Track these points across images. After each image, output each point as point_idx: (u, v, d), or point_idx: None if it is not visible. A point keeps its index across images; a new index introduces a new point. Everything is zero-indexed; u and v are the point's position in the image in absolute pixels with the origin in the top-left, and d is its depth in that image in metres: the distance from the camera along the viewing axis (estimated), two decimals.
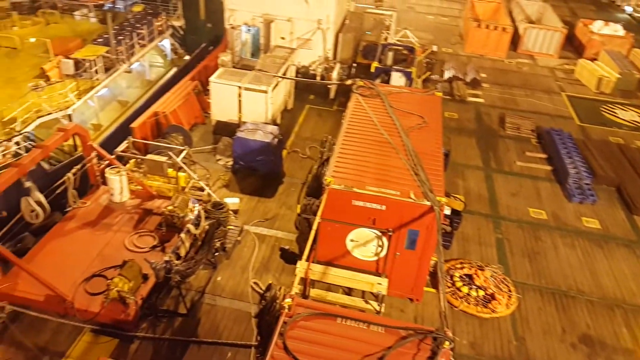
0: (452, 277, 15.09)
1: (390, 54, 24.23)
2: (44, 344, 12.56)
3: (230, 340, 13.01)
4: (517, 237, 17.45)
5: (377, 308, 12.60)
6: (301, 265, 11.63)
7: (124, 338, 12.77)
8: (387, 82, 23.10)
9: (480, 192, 19.73)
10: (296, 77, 24.19)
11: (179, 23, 28.46)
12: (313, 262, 12.94)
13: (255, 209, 17.75)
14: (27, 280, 12.58)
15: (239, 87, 20.13)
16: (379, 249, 12.93)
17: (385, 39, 27.80)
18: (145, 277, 13.10)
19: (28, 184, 13.41)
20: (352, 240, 12.99)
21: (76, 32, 25.59)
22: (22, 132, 17.24)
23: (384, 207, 12.27)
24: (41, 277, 12.26)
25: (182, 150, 16.87)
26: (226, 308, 13.97)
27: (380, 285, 12.39)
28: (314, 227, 11.68)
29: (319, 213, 12.13)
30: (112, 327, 12.76)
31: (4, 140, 16.65)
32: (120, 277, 12.41)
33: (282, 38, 25.73)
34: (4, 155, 16.35)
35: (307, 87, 25.06)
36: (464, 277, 15.10)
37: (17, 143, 16.72)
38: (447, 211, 15.59)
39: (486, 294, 14.60)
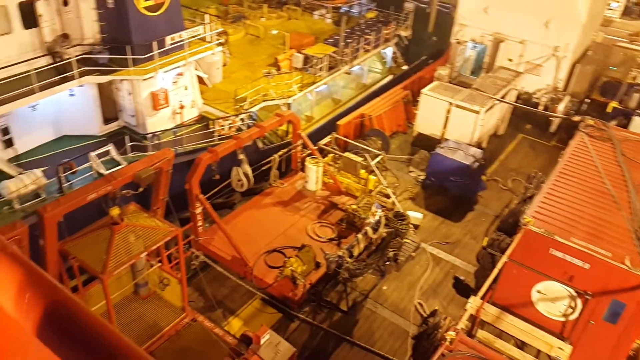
0: None
1: (637, 96, 20.94)
2: (221, 298, 13.96)
3: (383, 352, 12.71)
4: None
5: None
6: (474, 302, 10.69)
7: (287, 315, 13.49)
8: (624, 126, 19.96)
9: None
10: (515, 102, 22.50)
11: (405, 33, 28.82)
12: (488, 302, 11.80)
13: (437, 229, 17.04)
14: (221, 238, 14.14)
15: (450, 103, 19.53)
16: (570, 310, 11.18)
17: (634, 78, 24.06)
18: (317, 265, 13.65)
19: (241, 156, 15.05)
20: (539, 292, 11.48)
21: (312, 29, 27.90)
22: (248, 110, 19.40)
23: (587, 266, 10.55)
24: (233, 240, 13.65)
25: (377, 155, 17.08)
26: (385, 319, 13.70)
27: (561, 350, 10.71)
28: (499, 265, 10.66)
29: (508, 252, 11.00)
30: (279, 301, 13.62)
31: (233, 115, 18.96)
32: (297, 258, 13.15)
33: (509, 60, 24.23)
34: (229, 128, 18.62)
35: (525, 115, 23.11)
36: None
37: (242, 119, 18.89)
38: None
39: None
